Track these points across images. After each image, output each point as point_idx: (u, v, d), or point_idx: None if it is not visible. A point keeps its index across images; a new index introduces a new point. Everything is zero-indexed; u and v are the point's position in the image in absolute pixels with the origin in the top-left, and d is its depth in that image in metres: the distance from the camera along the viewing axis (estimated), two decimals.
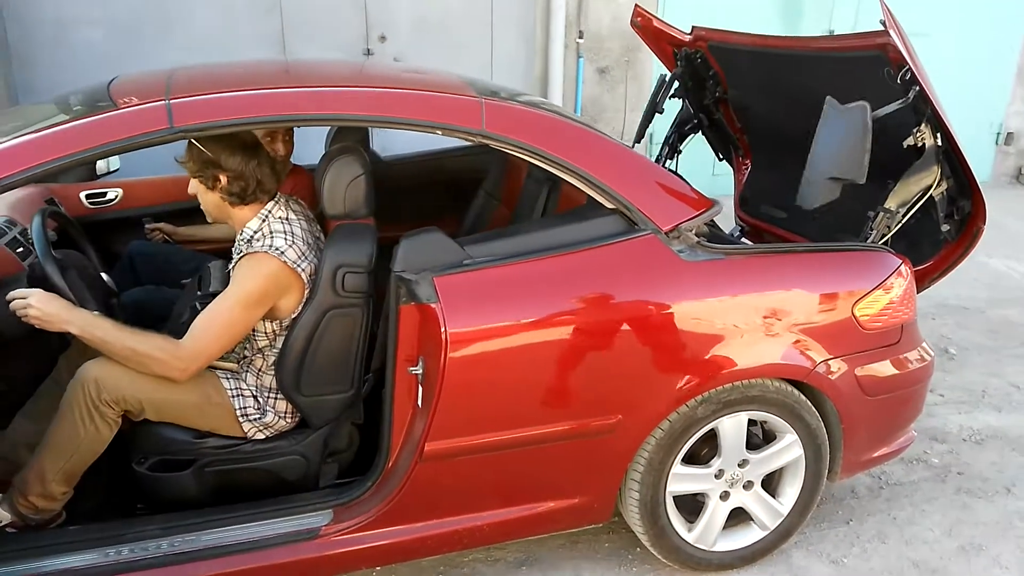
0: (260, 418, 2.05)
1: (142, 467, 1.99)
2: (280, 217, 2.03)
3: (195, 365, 1.89)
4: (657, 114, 3.24)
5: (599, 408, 1.99)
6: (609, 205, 2.03)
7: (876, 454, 2.38)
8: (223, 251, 2.81)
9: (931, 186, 2.23)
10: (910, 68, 2.06)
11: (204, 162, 1.95)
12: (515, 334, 1.89)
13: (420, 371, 1.91)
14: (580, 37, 5.30)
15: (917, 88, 2.10)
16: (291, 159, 2.88)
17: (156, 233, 2.96)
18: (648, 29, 3.32)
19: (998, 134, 6.64)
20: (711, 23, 3.07)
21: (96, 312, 1.91)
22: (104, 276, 2.34)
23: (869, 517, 2.59)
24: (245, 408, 2.03)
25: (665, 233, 2.03)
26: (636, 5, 3.27)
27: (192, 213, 2.92)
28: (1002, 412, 3.21)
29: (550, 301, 1.91)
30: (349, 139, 2.84)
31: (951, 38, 5.64)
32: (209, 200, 2.02)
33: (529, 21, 5.18)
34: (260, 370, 2.07)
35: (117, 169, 3.23)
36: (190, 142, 1.93)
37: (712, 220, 2.29)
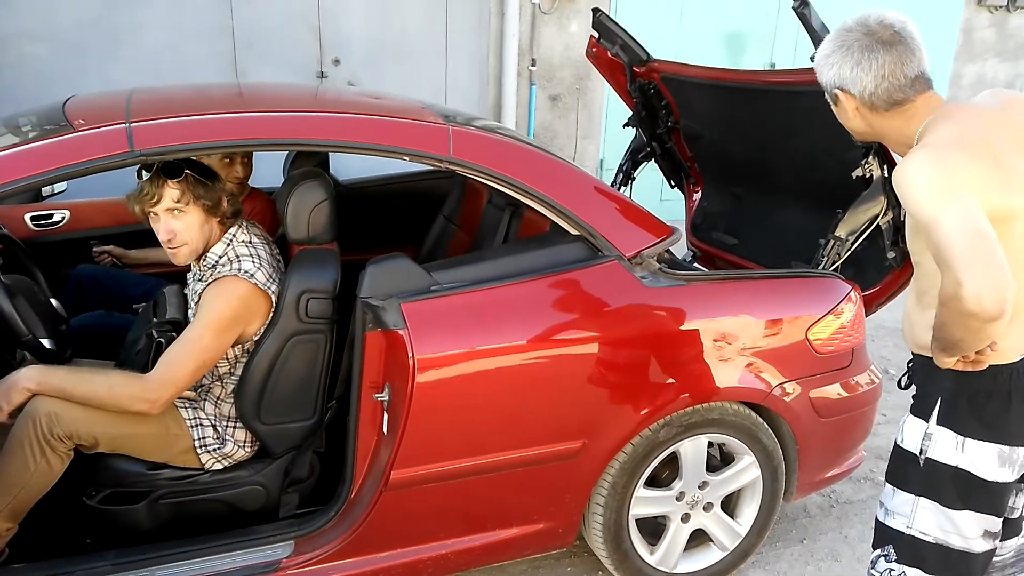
0: (219, 448, 2.00)
1: (93, 500, 1.91)
2: (244, 241, 2.00)
3: (166, 396, 1.84)
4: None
5: (565, 433, 2.00)
6: (574, 232, 2.06)
7: (829, 474, 2.45)
8: (174, 274, 2.74)
9: (878, 215, 2.33)
10: None
11: (204, 186, 1.92)
12: (482, 359, 1.90)
13: (386, 398, 1.90)
14: (533, 65, 5.38)
15: None
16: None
17: (105, 256, 2.88)
18: (603, 59, 3.40)
19: None
20: (659, 54, 3.17)
21: (48, 345, 1.85)
22: (54, 302, 2.26)
23: (822, 536, 2.65)
24: (204, 438, 1.98)
25: (628, 259, 2.07)
26: (591, 36, 3.35)
27: (142, 236, 2.86)
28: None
29: (517, 327, 1.92)
30: (309, 163, 2.81)
31: None
32: (193, 225, 1.93)
33: (483, 48, 5.24)
34: (219, 398, 2.02)
35: (64, 190, 3.12)
36: (185, 171, 1.88)
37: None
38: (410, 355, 1.82)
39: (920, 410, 1.58)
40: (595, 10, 3.24)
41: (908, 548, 1.59)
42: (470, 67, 5.25)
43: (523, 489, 2.04)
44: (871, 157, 2.27)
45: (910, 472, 1.58)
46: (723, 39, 5.87)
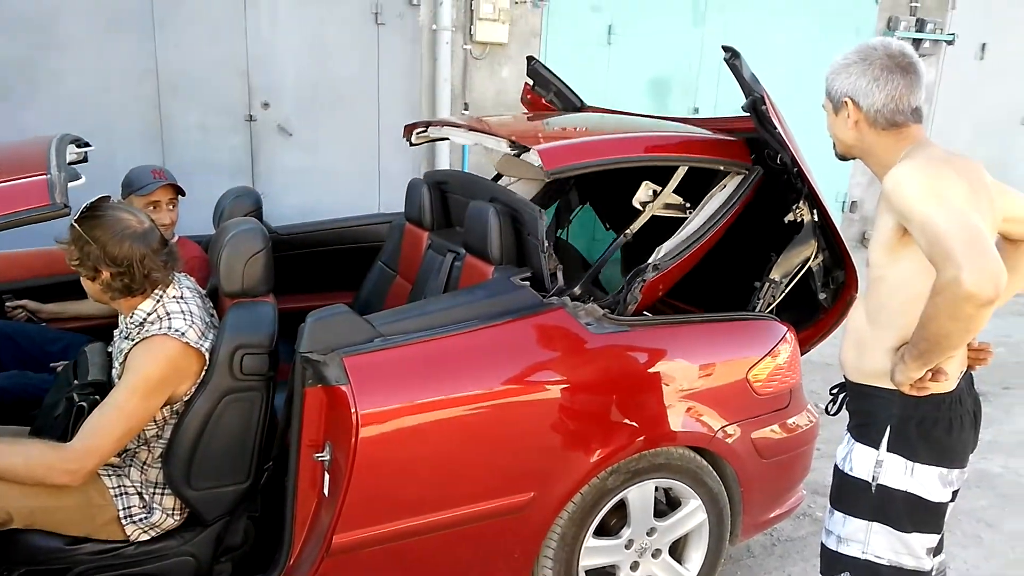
0: (145, 517, 1.87)
1: None
2: (175, 296, 1.90)
3: (89, 466, 1.70)
4: None
5: (515, 485, 1.96)
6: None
7: (772, 515, 2.47)
8: (96, 329, 2.60)
9: (810, 258, 2.40)
10: (787, 153, 2.23)
11: (85, 251, 1.76)
12: (428, 413, 1.84)
13: (327, 457, 1.82)
14: (466, 109, 5.41)
15: (796, 170, 2.28)
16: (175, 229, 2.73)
17: (18, 311, 2.70)
18: (537, 105, 3.44)
19: (843, 203, 7.30)
20: (589, 100, 3.23)
21: None
22: None
23: None
24: (129, 508, 1.85)
25: (572, 306, 2.06)
26: (526, 83, 3.39)
27: (61, 288, 2.70)
28: None
29: (464, 378, 1.88)
30: (241, 211, 2.73)
31: (799, 111, 6.20)
32: (91, 287, 1.86)
33: (416, 93, 5.25)
34: (146, 464, 1.90)
35: None
36: (72, 225, 1.77)
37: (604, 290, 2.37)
38: (353, 411, 1.75)
39: (868, 438, 1.62)
40: (530, 58, 3.29)
41: (864, 572, 1.64)
42: (403, 111, 5.25)
43: (473, 546, 1.98)
44: (802, 202, 2.34)
45: (862, 499, 1.63)
46: (649, 86, 6.05)
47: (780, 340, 2.33)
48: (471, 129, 2.58)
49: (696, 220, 2.32)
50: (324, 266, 3.19)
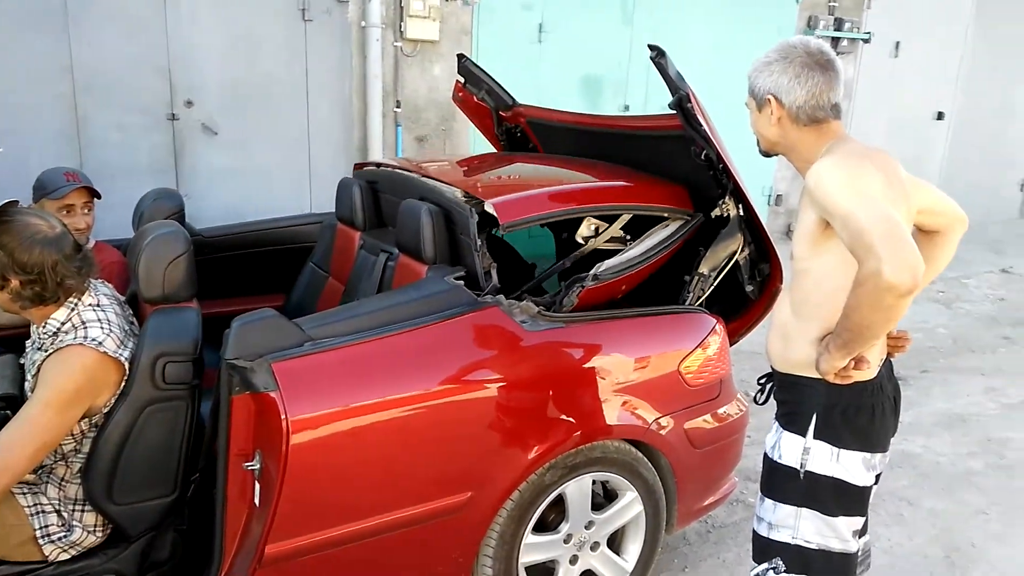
0: (64, 536, 1.79)
1: None
2: (91, 304, 1.81)
3: (1, 484, 1.61)
4: None
5: (452, 486, 1.94)
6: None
7: (706, 503, 2.52)
8: (6, 340, 2.47)
9: (736, 252, 2.46)
10: (713, 150, 2.28)
11: None
12: (362, 416, 1.81)
13: (256, 466, 1.77)
14: (398, 107, 5.35)
15: (721, 166, 2.33)
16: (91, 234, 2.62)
17: None
18: (469, 104, 3.43)
19: (769, 196, 7.52)
20: (521, 98, 3.23)
21: None
22: None
23: (701, 562, 2.72)
24: (47, 527, 1.76)
25: (507, 304, 2.06)
26: (457, 81, 3.37)
27: None
28: None
29: (397, 379, 1.86)
30: (161, 214, 2.63)
31: (724, 108, 6.36)
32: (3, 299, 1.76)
33: (346, 90, 5.16)
34: (64, 480, 1.81)
35: None
36: None
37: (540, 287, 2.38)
38: (283, 418, 1.71)
39: (796, 426, 1.67)
40: (460, 56, 3.28)
41: (795, 557, 1.69)
42: (333, 109, 5.16)
43: (411, 549, 1.96)
44: (727, 198, 2.40)
45: (791, 486, 1.68)
46: (580, 83, 6.10)
47: (710, 332, 2.38)
48: (422, 175, 2.61)
49: (639, 248, 2.38)
50: (252, 269, 3.11)
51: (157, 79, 4.61)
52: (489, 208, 2.16)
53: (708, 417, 2.39)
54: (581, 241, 2.43)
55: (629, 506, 2.29)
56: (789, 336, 1.68)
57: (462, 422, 1.93)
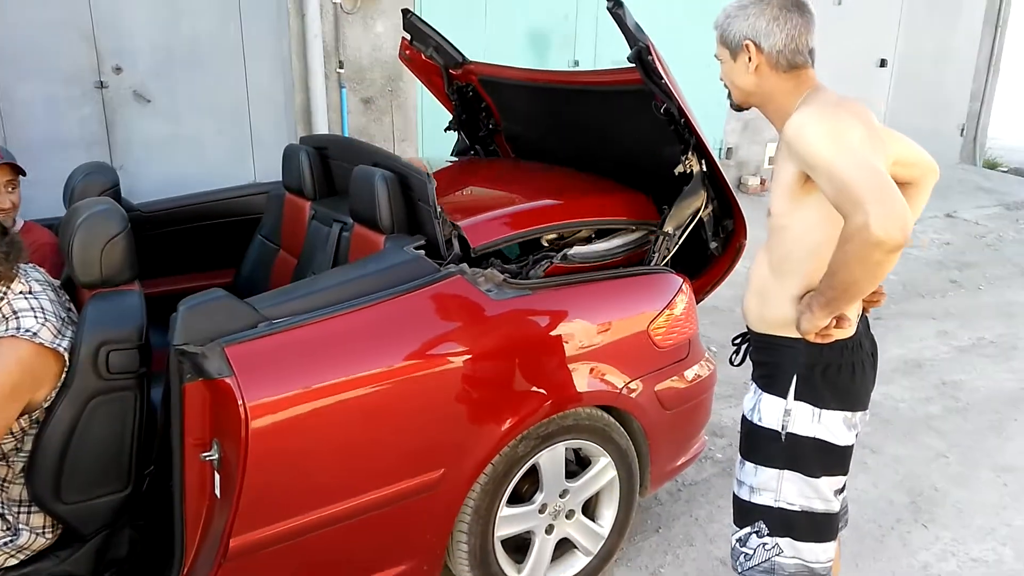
0: (11, 540, 1.67)
1: None
2: (21, 292, 1.67)
3: None
4: None
5: (423, 464, 1.87)
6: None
7: (678, 463, 2.51)
8: None
9: (700, 208, 2.41)
10: (675, 104, 2.21)
11: None
12: (326, 397, 1.72)
13: (215, 456, 1.67)
14: (341, 67, 5.14)
15: (683, 120, 2.26)
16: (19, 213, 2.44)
17: None
18: (417, 62, 3.28)
19: (719, 150, 7.53)
20: (468, 54, 3.10)
21: None
22: None
23: (674, 521, 2.73)
24: None
25: (470, 273, 1.98)
26: (403, 38, 3.22)
27: None
28: None
29: (361, 357, 1.77)
30: (95, 190, 2.46)
31: (681, 62, 6.29)
32: None
33: (285, 51, 4.93)
34: (6, 481, 1.69)
35: None
36: None
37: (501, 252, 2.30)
38: (241, 404, 1.60)
39: (775, 388, 1.64)
40: (405, 11, 3.12)
41: (778, 520, 1.67)
42: (272, 71, 4.92)
43: (382, 532, 1.89)
44: (690, 154, 2.34)
45: (772, 449, 1.65)
46: (527, 39, 5.95)
47: (677, 292, 2.34)
48: None
49: (608, 244, 2.33)
50: (198, 244, 2.95)
51: (81, 44, 4.32)
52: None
53: (677, 378, 2.37)
54: (545, 244, 2.34)
55: (603, 472, 2.26)
56: (767, 295, 1.64)
57: (430, 398, 1.86)
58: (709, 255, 2.61)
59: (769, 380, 1.65)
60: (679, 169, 2.35)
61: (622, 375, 2.19)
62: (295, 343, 1.71)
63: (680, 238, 2.42)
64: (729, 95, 1.68)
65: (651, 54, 2.14)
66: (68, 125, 4.37)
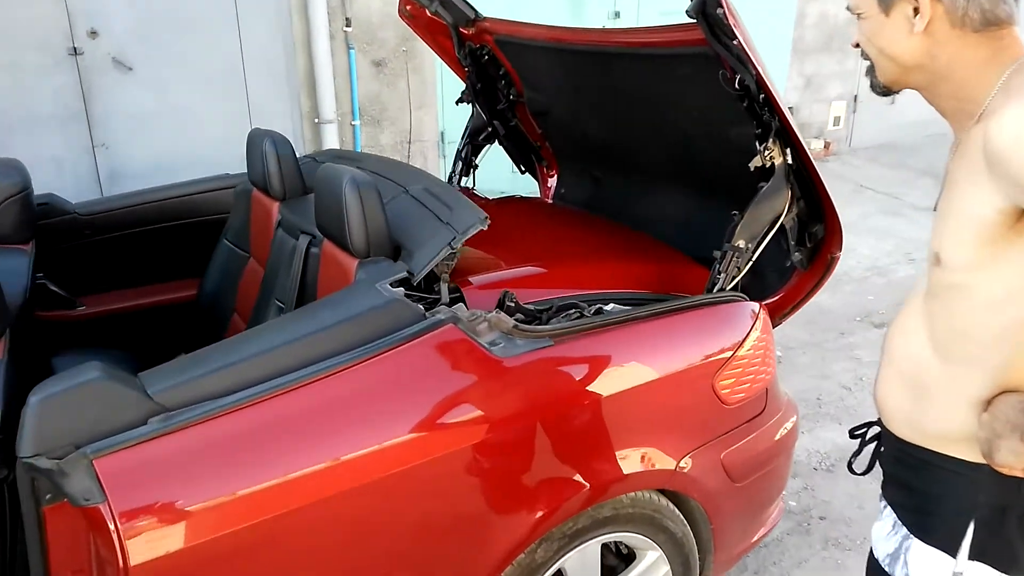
0: None
1: None
2: None
3: None
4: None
5: None
6: None
7: (751, 541, 1.95)
8: None
9: (782, 213, 1.80)
10: (752, 73, 1.60)
11: None
12: (251, 520, 1.19)
13: None
14: (348, 26, 4.54)
15: (763, 96, 1.65)
16: None
17: None
18: (421, 20, 2.69)
19: None
20: (489, 11, 2.49)
21: None
22: None
23: None
24: None
25: (467, 320, 1.42)
26: None
27: None
28: (842, 424, 2.98)
29: (306, 456, 1.23)
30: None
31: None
32: None
33: (283, 9, 4.35)
34: None
35: None
36: None
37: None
38: (117, 542, 1.09)
39: (936, 536, 1.06)
40: None
41: None
42: (270, 33, 4.35)
43: None
44: (771, 141, 1.72)
45: None
46: None
47: (751, 326, 1.75)
48: None
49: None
50: (153, 251, 2.43)
51: (50, 5, 3.80)
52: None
53: (752, 439, 1.79)
54: None
55: (652, 568, 1.72)
56: (925, 388, 1.04)
57: (405, 507, 1.32)
58: (789, 267, 2.01)
59: (924, 521, 1.07)
60: (756, 163, 1.74)
61: (678, 446, 1.63)
62: (204, 446, 1.17)
63: (754, 254, 1.82)
64: (871, 70, 1.06)
65: (720, 5, 1.53)
66: (39, 98, 3.88)
